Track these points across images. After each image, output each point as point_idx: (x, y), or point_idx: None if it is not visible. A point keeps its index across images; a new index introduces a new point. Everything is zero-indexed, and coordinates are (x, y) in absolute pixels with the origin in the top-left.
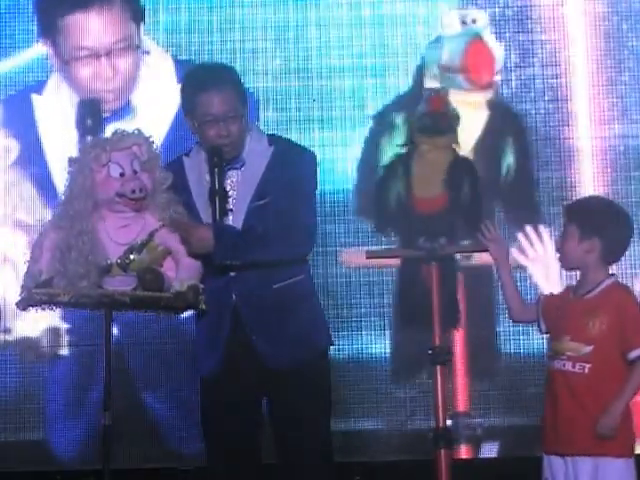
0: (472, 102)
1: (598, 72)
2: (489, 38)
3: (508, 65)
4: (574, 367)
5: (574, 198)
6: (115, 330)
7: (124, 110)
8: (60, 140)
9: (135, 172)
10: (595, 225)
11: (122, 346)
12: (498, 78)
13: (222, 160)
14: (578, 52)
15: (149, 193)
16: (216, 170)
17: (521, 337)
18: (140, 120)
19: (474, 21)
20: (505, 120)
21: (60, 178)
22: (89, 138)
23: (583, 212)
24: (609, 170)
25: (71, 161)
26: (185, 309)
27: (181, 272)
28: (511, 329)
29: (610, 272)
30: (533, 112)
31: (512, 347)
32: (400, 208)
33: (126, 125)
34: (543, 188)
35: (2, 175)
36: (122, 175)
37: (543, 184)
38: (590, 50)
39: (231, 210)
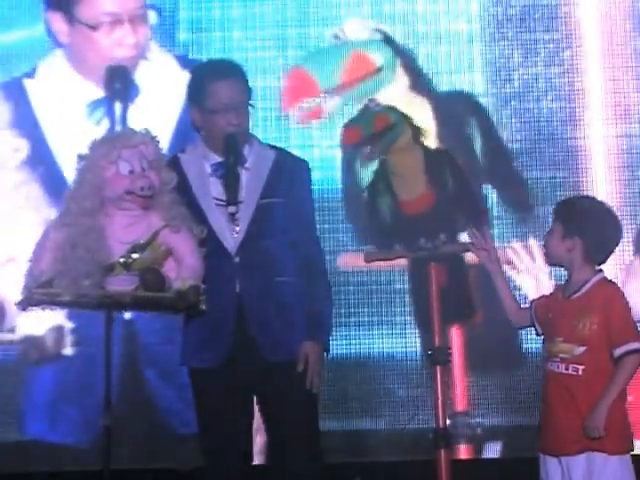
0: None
1: (601, 71)
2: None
3: (511, 64)
4: (567, 369)
5: None
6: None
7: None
8: (61, 127)
9: (143, 170)
10: (577, 225)
11: (124, 345)
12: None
13: (237, 146)
14: (581, 51)
15: (155, 192)
16: (231, 155)
17: (523, 336)
18: (140, 116)
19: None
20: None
21: (59, 168)
22: (118, 103)
23: (567, 211)
24: (613, 170)
25: (80, 157)
26: (185, 309)
27: (182, 272)
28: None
29: (597, 269)
30: (536, 111)
31: (513, 346)
32: (395, 221)
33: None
34: (546, 187)
35: (7, 173)
36: (131, 172)
37: (546, 183)
38: (593, 49)
39: (241, 202)
